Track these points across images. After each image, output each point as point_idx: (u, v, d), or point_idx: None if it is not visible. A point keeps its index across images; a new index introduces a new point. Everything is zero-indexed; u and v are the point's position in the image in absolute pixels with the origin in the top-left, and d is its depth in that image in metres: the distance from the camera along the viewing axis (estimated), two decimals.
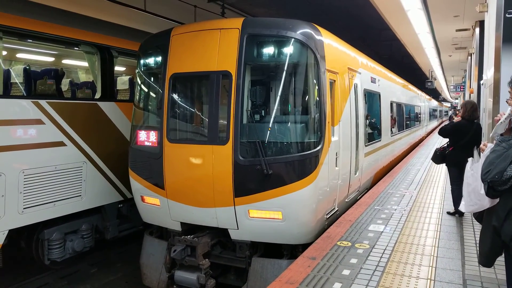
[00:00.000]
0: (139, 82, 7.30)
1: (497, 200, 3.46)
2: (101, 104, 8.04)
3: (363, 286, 4.47)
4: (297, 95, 6.33)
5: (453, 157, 6.92)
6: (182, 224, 6.54)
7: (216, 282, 6.39)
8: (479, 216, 3.87)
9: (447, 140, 7.31)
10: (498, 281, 4.57)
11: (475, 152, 3.91)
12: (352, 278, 4.65)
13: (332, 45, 7.13)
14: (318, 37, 6.37)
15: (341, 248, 5.56)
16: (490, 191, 3.34)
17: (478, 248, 3.87)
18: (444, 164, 7.42)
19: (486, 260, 3.62)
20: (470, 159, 4.18)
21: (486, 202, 3.54)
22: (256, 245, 6.37)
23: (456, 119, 7.59)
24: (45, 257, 7.44)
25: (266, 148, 5.91)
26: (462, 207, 3.96)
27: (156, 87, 7.04)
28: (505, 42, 5.14)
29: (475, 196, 3.65)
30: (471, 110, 6.86)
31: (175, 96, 6.71)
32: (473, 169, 3.81)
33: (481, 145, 3.76)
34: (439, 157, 7.16)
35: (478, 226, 6.41)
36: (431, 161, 7.73)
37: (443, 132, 7.15)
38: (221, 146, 5.98)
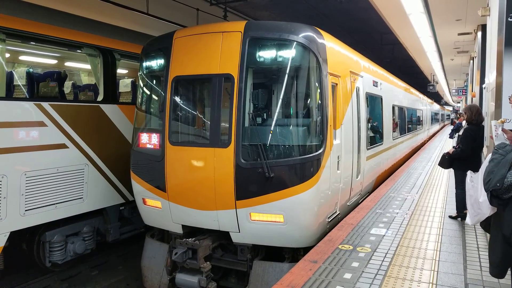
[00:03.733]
0: (142, 84, 7.32)
1: (496, 208, 3.42)
2: (103, 107, 8.06)
3: None
4: (299, 98, 6.33)
5: (461, 161, 6.85)
6: (184, 226, 6.54)
7: (217, 285, 6.38)
8: (486, 225, 3.82)
9: (451, 143, 7.25)
10: (500, 285, 4.55)
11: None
12: (354, 281, 4.63)
13: (334, 49, 7.14)
14: (320, 41, 6.38)
15: (342, 252, 5.55)
16: (495, 200, 3.29)
17: (488, 258, 3.82)
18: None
19: (498, 270, 3.54)
20: (469, 172, 4.14)
21: (486, 210, 3.50)
22: (258, 248, 6.36)
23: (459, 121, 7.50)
24: (46, 259, 7.44)
25: (267, 151, 5.92)
26: (468, 220, 3.90)
27: (158, 90, 7.05)
28: (507, 46, 5.12)
29: (476, 205, 3.61)
30: (477, 114, 6.81)
31: (177, 99, 6.72)
32: (473, 180, 3.79)
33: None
34: (447, 161, 7.05)
35: (480, 230, 6.40)
36: (432, 164, 7.65)
37: (468, 143, 6.72)
38: (223, 149, 5.99)
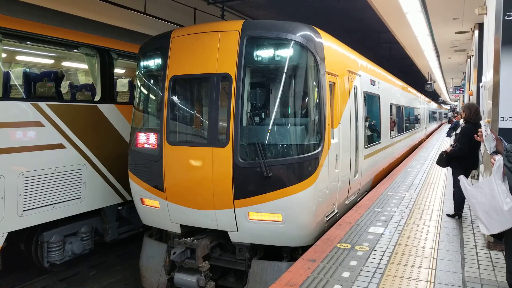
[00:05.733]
0: (139, 84, 7.30)
1: None
2: (101, 107, 8.04)
3: None
4: (297, 98, 6.33)
5: (459, 159, 6.86)
6: (182, 226, 6.53)
7: (216, 284, 6.39)
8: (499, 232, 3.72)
9: (449, 142, 7.25)
10: (498, 283, 4.56)
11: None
12: (352, 280, 4.64)
13: (332, 48, 7.14)
14: (317, 40, 6.39)
15: (341, 250, 5.55)
16: None
17: (506, 266, 3.77)
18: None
19: None
20: (461, 177, 4.07)
21: (511, 219, 3.38)
22: (256, 248, 6.36)
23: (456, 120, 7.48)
24: (45, 259, 7.43)
25: (266, 150, 5.92)
26: (484, 230, 3.70)
27: (156, 89, 7.04)
28: (504, 44, 5.14)
29: (498, 214, 3.47)
30: (475, 113, 6.81)
31: (175, 98, 6.71)
32: (482, 186, 3.67)
33: (491, 159, 3.68)
34: (445, 160, 7.05)
35: (478, 228, 6.42)
36: (430, 163, 7.65)
37: (466, 141, 6.69)
38: (221, 148, 5.98)
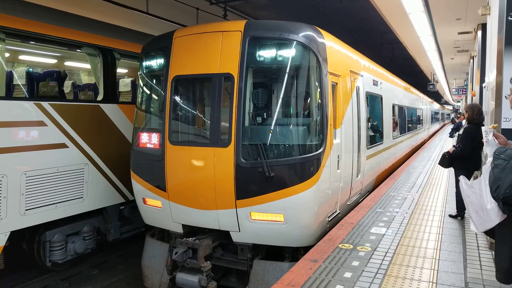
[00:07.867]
0: (141, 84, 7.31)
1: (506, 215, 3.34)
2: (103, 106, 8.06)
3: None
4: (299, 98, 6.33)
5: (461, 160, 6.83)
6: (184, 226, 6.54)
7: (217, 284, 6.39)
8: (489, 230, 3.75)
9: (451, 142, 7.22)
10: (500, 284, 4.54)
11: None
12: (354, 280, 4.64)
13: (334, 48, 7.13)
14: (320, 40, 6.38)
15: (342, 251, 5.55)
16: (507, 208, 3.19)
17: (495, 264, 3.78)
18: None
19: (506, 277, 3.48)
20: (461, 177, 4.08)
21: (495, 218, 3.41)
22: (258, 248, 6.36)
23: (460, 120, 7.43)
24: (47, 258, 7.45)
25: (267, 151, 5.92)
26: (473, 228, 3.79)
27: (158, 89, 7.05)
28: (507, 45, 5.13)
29: (484, 213, 3.51)
30: (478, 113, 6.77)
31: (177, 99, 6.72)
32: (474, 186, 3.71)
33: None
34: (447, 160, 7.03)
35: None
36: (432, 164, 7.62)
37: (468, 142, 6.65)
38: (223, 148, 5.99)
